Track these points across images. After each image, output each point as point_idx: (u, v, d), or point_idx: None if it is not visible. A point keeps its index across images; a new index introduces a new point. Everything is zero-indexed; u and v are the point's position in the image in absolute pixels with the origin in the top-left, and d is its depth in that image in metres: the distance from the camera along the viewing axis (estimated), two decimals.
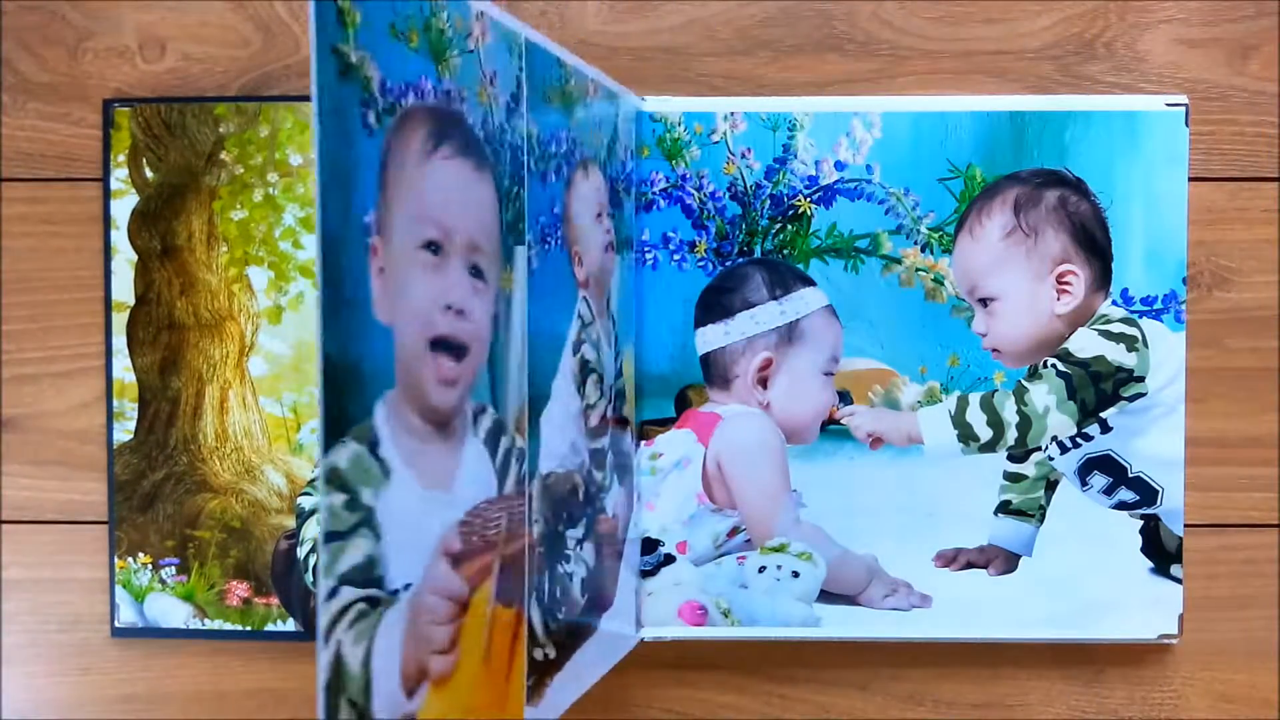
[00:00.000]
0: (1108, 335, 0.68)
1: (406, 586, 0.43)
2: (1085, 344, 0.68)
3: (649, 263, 0.70)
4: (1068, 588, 0.69)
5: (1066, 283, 0.69)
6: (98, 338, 0.72)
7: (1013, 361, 0.69)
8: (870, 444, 0.70)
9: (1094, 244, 0.69)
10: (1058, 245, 0.69)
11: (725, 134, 0.70)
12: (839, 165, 0.70)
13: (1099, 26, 0.71)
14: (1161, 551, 0.70)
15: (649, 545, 0.70)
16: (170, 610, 0.72)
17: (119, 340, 0.72)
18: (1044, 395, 0.68)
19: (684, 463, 0.70)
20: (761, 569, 0.69)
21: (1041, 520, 0.70)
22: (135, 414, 0.72)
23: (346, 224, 0.40)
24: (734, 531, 0.70)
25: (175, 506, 0.71)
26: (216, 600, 0.71)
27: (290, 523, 0.71)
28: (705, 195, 0.70)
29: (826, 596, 0.70)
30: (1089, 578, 0.69)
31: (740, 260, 0.70)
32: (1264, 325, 0.71)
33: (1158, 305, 0.69)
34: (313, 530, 0.70)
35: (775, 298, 0.70)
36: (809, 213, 0.70)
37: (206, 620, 0.71)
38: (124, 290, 0.72)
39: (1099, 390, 0.68)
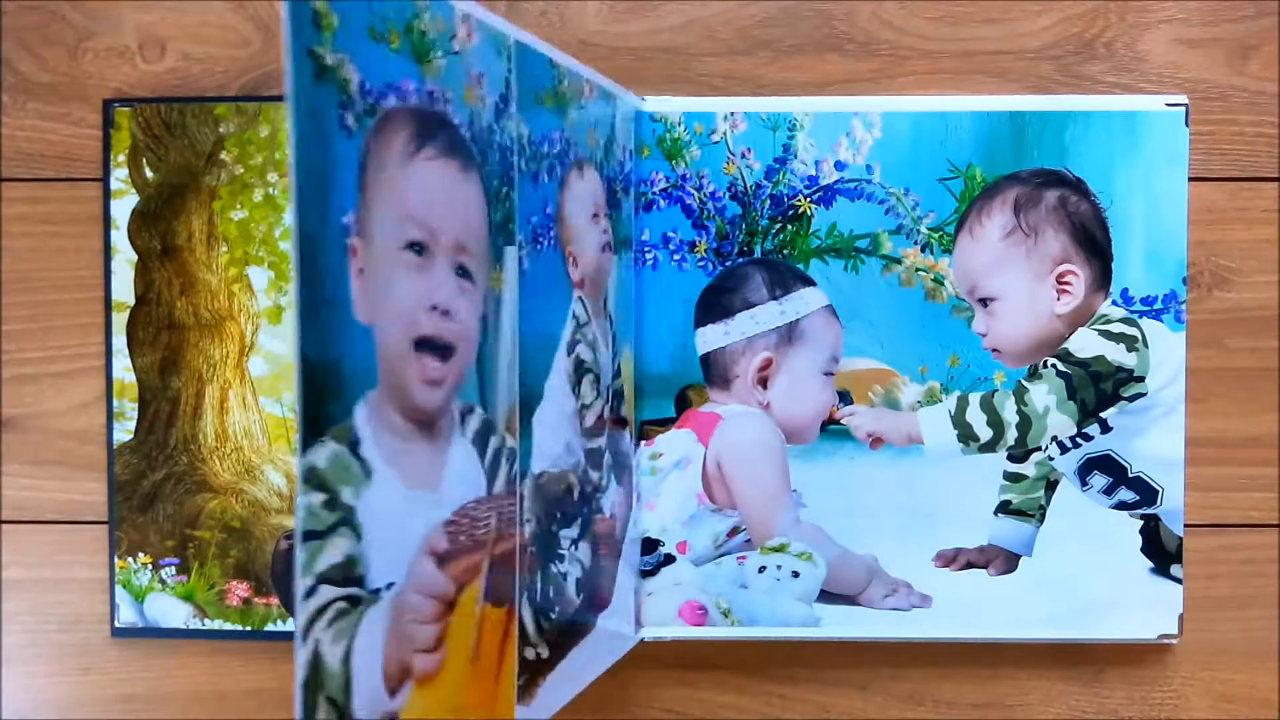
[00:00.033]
0: (1108, 335, 0.68)
1: (389, 585, 0.44)
2: (1085, 344, 0.68)
3: (649, 263, 0.70)
4: (1068, 588, 0.69)
5: (1066, 283, 0.69)
6: (98, 338, 0.72)
7: (1013, 361, 0.69)
8: (870, 444, 0.70)
9: (1094, 244, 0.69)
10: (1058, 245, 0.69)
11: (725, 134, 0.70)
12: (839, 165, 0.70)
13: (1099, 26, 0.71)
14: (1161, 551, 0.70)
15: (649, 545, 0.70)
16: (170, 610, 0.72)
17: (119, 340, 0.72)
18: (1044, 395, 0.68)
19: (684, 463, 0.70)
20: (761, 569, 0.69)
21: (1041, 520, 0.70)
22: (135, 414, 0.72)
23: (324, 225, 0.40)
24: (734, 531, 0.70)
25: (175, 506, 0.71)
26: (216, 600, 0.71)
27: (290, 523, 0.71)
28: (705, 195, 0.70)
29: (826, 596, 0.70)
30: (1089, 578, 0.69)
31: (740, 260, 0.70)
32: (1264, 325, 0.71)
33: (1158, 305, 0.69)
34: None
35: (775, 298, 0.70)
36: (809, 213, 0.70)
37: (206, 620, 0.71)
38: (124, 290, 0.72)
39: (1099, 390, 0.68)
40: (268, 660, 0.73)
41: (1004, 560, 0.70)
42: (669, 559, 0.70)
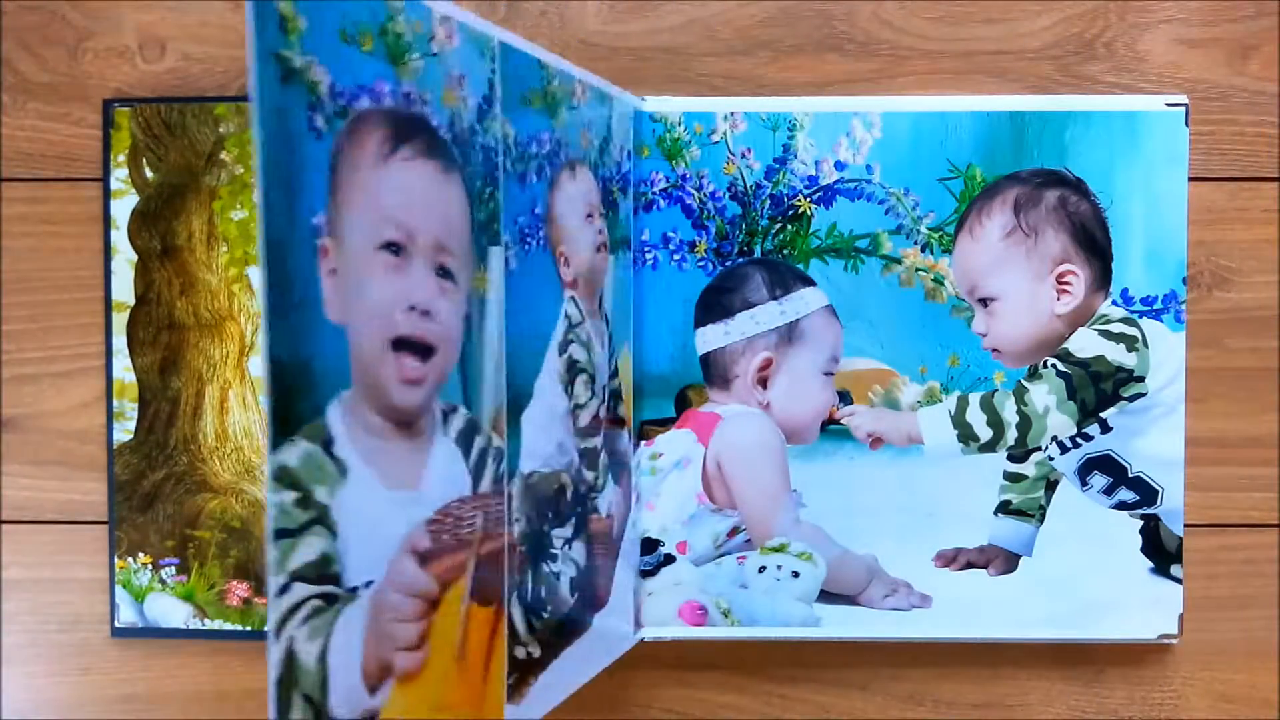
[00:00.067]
0: (1108, 335, 0.68)
1: (368, 584, 0.44)
2: (1085, 344, 0.68)
3: (649, 263, 0.70)
4: (1068, 588, 0.69)
5: (1066, 283, 0.69)
6: (98, 338, 0.72)
7: (1013, 361, 0.69)
8: (870, 444, 0.70)
9: (1094, 244, 0.69)
10: (1058, 245, 0.69)
11: (725, 134, 0.70)
12: (839, 165, 0.70)
13: (1099, 26, 0.71)
14: (1161, 551, 0.70)
15: (649, 545, 0.70)
16: (170, 610, 0.72)
17: (119, 340, 0.72)
18: (1044, 395, 0.68)
19: (684, 463, 0.70)
20: (761, 569, 0.69)
21: (1041, 520, 0.70)
22: (135, 414, 0.72)
23: (292, 226, 0.40)
24: (734, 531, 0.70)
25: (175, 506, 0.71)
26: (216, 600, 0.71)
27: None
28: (705, 195, 0.70)
29: (826, 596, 0.70)
30: (1089, 578, 0.69)
31: (740, 260, 0.70)
32: (1264, 325, 0.71)
33: (1158, 305, 0.69)
34: None
35: (775, 298, 0.70)
36: (809, 213, 0.70)
37: (206, 620, 0.71)
38: (124, 290, 0.72)
39: (1099, 390, 0.68)
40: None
41: (1004, 560, 0.70)
42: (669, 559, 0.70)
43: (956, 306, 0.70)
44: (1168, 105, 0.69)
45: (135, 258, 0.72)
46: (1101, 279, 0.69)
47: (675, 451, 0.70)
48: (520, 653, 0.55)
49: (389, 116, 0.45)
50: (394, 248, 0.45)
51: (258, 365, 0.71)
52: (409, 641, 0.46)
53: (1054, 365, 0.68)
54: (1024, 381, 0.69)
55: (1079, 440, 0.69)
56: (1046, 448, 0.69)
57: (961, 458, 0.69)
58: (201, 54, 0.72)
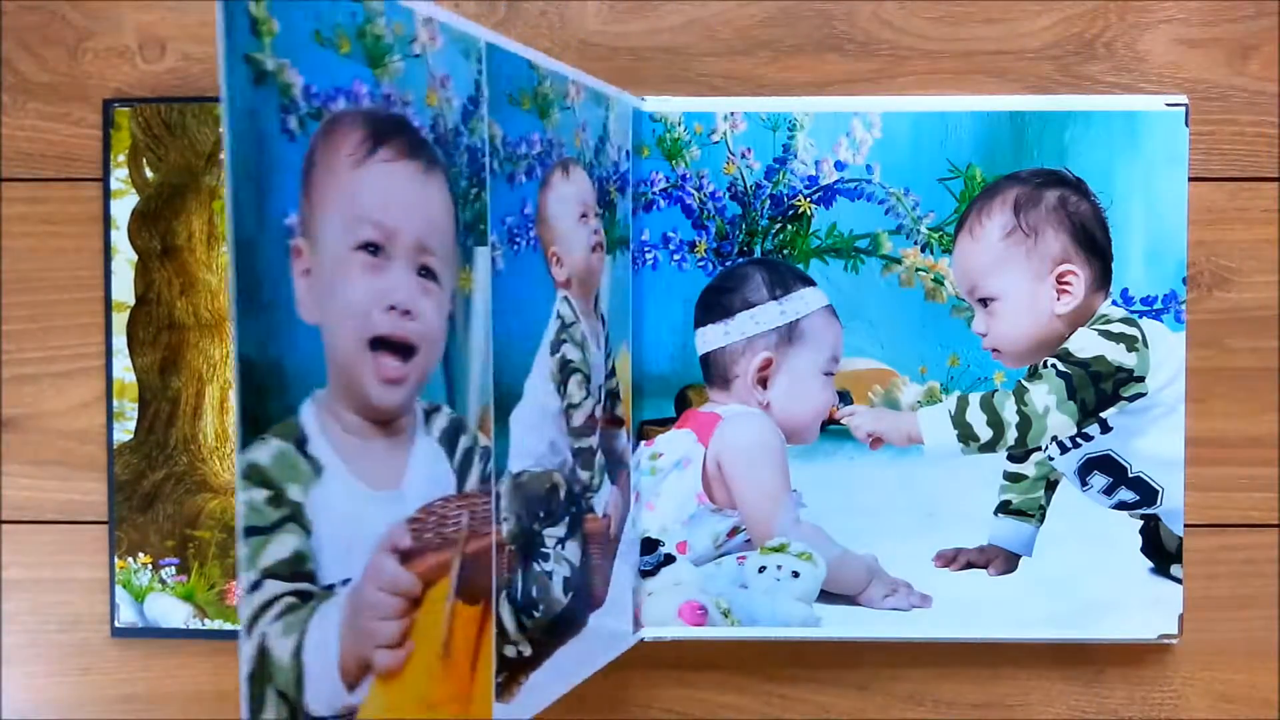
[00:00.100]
0: (1108, 335, 0.68)
1: (345, 581, 0.44)
2: (1085, 344, 0.68)
3: (649, 263, 0.70)
4: (1068, 588, 0.69)
5: (1066, 283, 0.69)
6: (98, 338, 0.72)
7: (1013, 361, 0.69)
8: (870, 444, 0.70)
9: (1094, 244, 0.69)
10: (1058, 245, 0.69)
11: (725, 134, 0.70)
12: (839, 165, 0.70)
13: (1099, 26, 0.71)
14: (1161, 551, 0.70)
15: (649, 545, 0.70)
16: (170, 610, 0.72)
17: (119, 340, 0.72)
18: (1044, 395, 0.68)
19: (684, 463, 0.70)
20: (761, 569, 0.69)
21: (1041, 520, 0.70)
22: (135, 414, 0.72)
23: (262, 227, 0.40)
24: (734, 531, 0.70)
25: (175, 506, 0.71)
26: (216, 600, 0.71)
27: None
28: (705, 195, 0.70)
29: (826, 596, 0.70)
30: (1089, 578, 0.69)
31: (740, 260, 0.70)
32: (1264, 325, 0.71)
33: (1158, 305, 0.69)
34: None
35: (775, 298, 0.70)
36: (809, 213, 0.70)
37: (206, 620, 0.71)
38: (124, 290, 0.72)
39: (1099, 390, 0.68)
40: None
41: (1004, 560, 0.70)
42: (669, 559, 0.70)
43: (956, 306, 0.70)
44: (1168, 105, 0.69)
45: (135, 258, 0.72)
46: (1101, 279, 0.69)
47: (675, 451, 0.70)
48: (510, 651, 0.56)
49: (367, 118, 0.45)
50: (372, 248, 0.45)
51: None
52: (389, 639, 0.46)
53: (1054, 365, 0.68)
54: (1024, 381, 0.69)
55: (1079, 440, 0.69)
56: (1046, 448, 0.69)
57: (961, 458, 0.69)
58: (201, 54, 0.72)
